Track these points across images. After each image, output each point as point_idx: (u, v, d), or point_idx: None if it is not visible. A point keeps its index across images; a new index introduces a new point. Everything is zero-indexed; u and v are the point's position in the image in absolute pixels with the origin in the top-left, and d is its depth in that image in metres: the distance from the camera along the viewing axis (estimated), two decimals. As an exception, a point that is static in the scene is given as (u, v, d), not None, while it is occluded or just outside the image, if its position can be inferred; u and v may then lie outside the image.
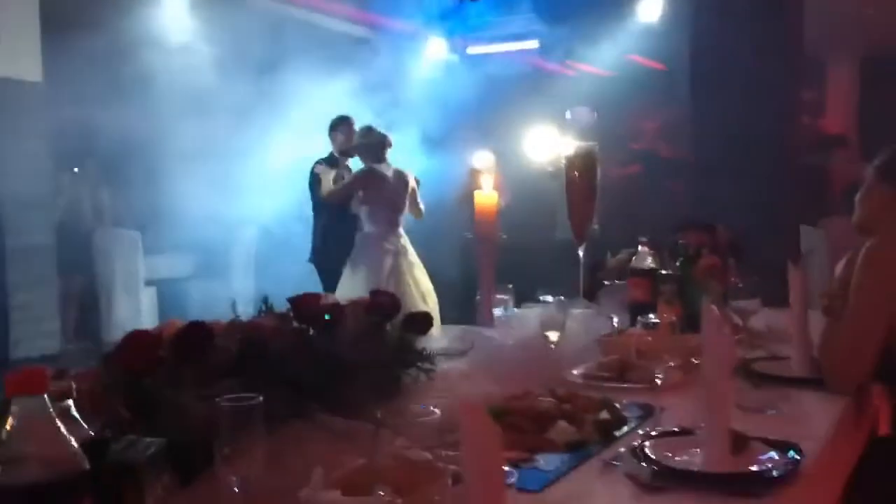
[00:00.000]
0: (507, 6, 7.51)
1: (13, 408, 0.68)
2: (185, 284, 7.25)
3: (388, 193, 5.12)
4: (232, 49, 6.27)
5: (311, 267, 5.74)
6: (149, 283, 7.05)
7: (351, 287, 4.89)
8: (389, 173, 5.16)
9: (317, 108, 6.34)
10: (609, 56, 7.91)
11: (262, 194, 6.54)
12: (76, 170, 6.97)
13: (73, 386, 0.78)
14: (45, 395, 0.69)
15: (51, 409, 0.69)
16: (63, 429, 0.69)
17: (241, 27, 6.27)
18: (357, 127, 5.45)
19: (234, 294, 7.07)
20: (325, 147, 5.82)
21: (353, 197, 5.20)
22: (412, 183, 5.26)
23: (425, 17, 7.59)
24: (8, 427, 0.68)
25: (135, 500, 0.80)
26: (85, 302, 6.76)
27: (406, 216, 5.30)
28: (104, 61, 5.59)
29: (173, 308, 6.65)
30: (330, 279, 5.20)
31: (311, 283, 5.28)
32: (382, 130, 5.29)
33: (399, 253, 5.12)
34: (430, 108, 6.85)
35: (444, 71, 7.74)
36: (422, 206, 5.34)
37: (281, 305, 1.65)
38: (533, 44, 7.92)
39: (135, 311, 6.82)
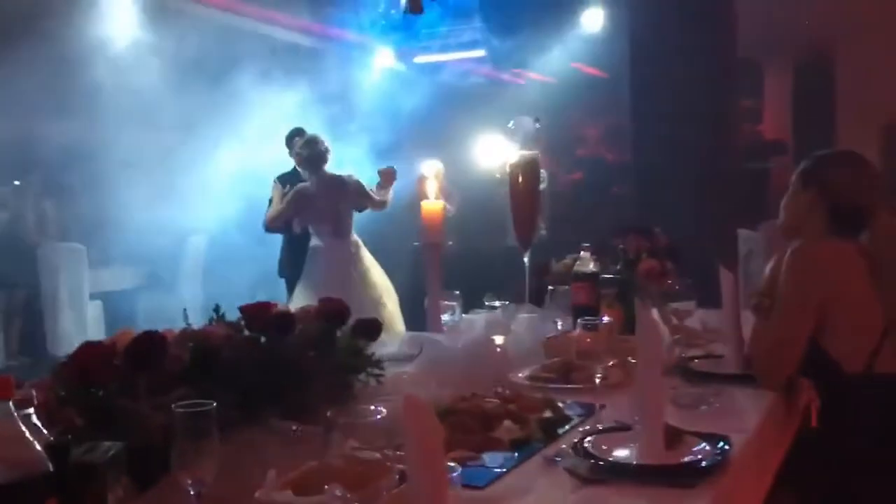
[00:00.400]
0: (454, 17, 7.60)
1: (-20, 413, 0.72)
2: (132, 297, 7.16)
3: (322, 206, 5.15)
4: (179, 58, 6.22)
5: (261, 277, 5.73)
6: (94, 296, 6.95)
7: (303, 301, 4.93)
8: (322, 185, 5.17)
9: (265, 118, 6.34)
10: (554, 64, 8.07)
11: (210, 204, 6.50)
12: (17, 182, 6.84)
13: (34, 394, 0.82)
14: (10, 402, 0.73)
15: (15, 414, 0.73)
16: (27, 432, 0.73)
17: (188, 37, 6.23)
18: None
19: (181, 305, 7.02)
20: (273, 157, 5.83)
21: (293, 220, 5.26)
22: (353, 185, 5.29)
23: (373, 27, 7.64)
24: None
25: (97, 500, 0.84)
26: (29, 316, 6.64)
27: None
28: (47, 71, 5.51)
29: (119, 321, 6.56)
30: None
31: (260, 292, 5.28)
32: (324, 141, 5.30)
33: (348, 262, 5.15)
34: (378, 116, 6.90)
35: (393, 80, 7.80)
36: (380, 197, 5.31)
37: (231, 315, 1.69)
38: (480, 53, 8.02)
39: (80, 324, 6.71)
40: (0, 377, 0.73)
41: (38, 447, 0.73)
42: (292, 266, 5.41)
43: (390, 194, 5.34)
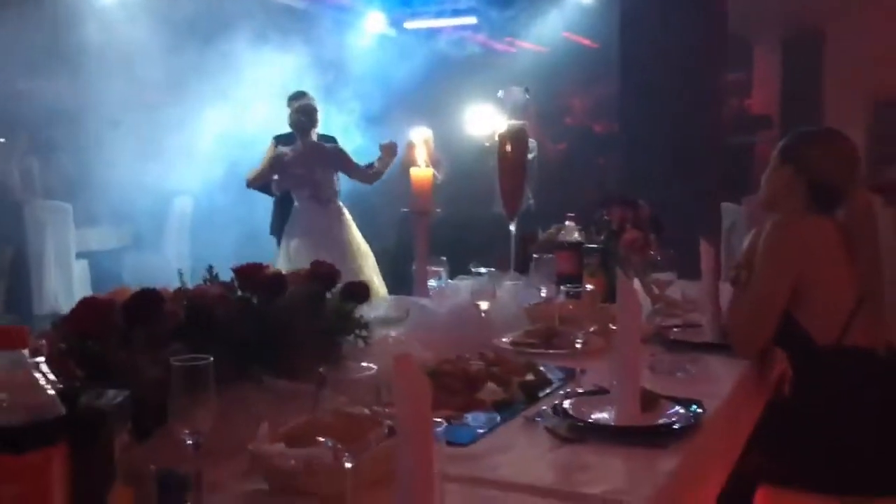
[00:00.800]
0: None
1: (-3, 360, 0.76)
2: (118, 256, 7.17)
3: (300, 172, 5.24)
4: (169, 17, 6.17)
5: (249, 237, 5.77)
6: (80, 255, 6.95)
7: (284, 260, 5.04)
8: (303, 151, 5.24)
9: (253, 80, 6.33)
10: (545, 33, 8.06)
11: (196, 165, 6.50)
12: (3, 140, 6.80)
13: (43, 343, 0.86)
14: (26, 351, 0.77)
15: (30, 362, 0.78)
16: (41, 379, 0.78)
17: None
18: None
19: (167, 265, 7.06)
20: (260, 119, 5.84)
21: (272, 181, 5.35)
22: (333, 152, 5.35)
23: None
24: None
25: (105, 443, 0.89)
26: (15, 274, 6.64)
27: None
28: (32, 28, 5.46)
29: (106, 280, 6.57)
30: None
31: (247, 252, 5.31)
32: (314, 107, 5.35)
33: (326, 227, 5.25)
34: (368, 82, 6.89)
35: (383, 45, 7.77)
36: (376, 169, 5.36)
37: (222, 275, 1.73)
38: (471, 20, 8.00)
39: (66, 283, 6.73)
40: (16, 328, 0.78)
41: (52, 392, 0.78)
42: (281, 225, 5.47)
43: (387, 167, 5.37)
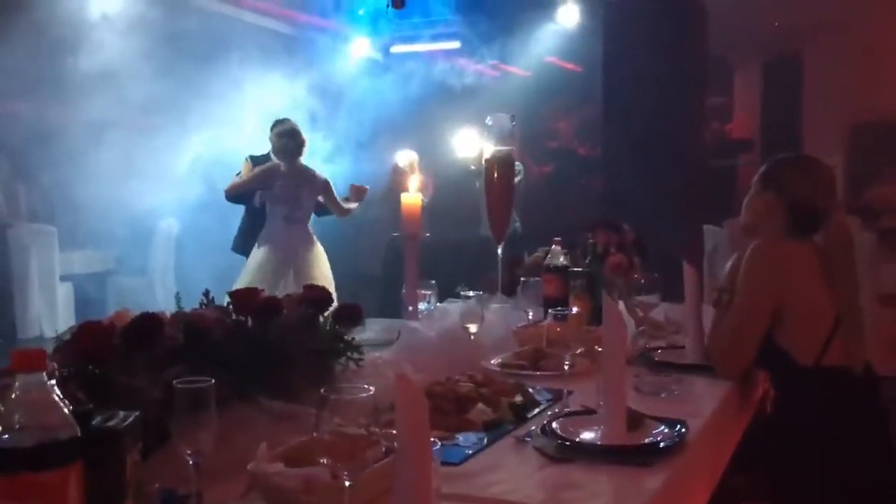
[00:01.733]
0: (432, 8, 7.67)
1: (16, 382, 0.80)
2: (102, 279, 7.16)
3: (286, 187, 5.34)
4: (152, 41, 6.22)
5: (234, 259, 5.78)
6: (65, 278, 6.93)
7: (245, 277, 5.20)
8: (292, 171, 5.35)
9: (238, 103, 6.37)
10: (529, 58, 8.17)
11: (181, 187, 6.53)
12: (-13, 162, 6.79)
13: (55, 367, 0.89)
14: (44, 373, 0.81)
15: (48, 384, 0.81)
16: (58, 400, 0.81)
17: (161, 19, 6.23)
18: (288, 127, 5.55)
19: (152, 288, 7.05)
20: (244, 143, 5.88)
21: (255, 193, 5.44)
22: (321, 181, 5.45)
23: (349, 16, 7.68)
24: (12, 398, 0.79)
25: (118, 462, 0.92)
26: (-2, 298, 6.60)
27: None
28: (15, 50, 5.49)
29: (90, 304, 6.58)
30: None
31: (233, 274, 5.34)
32: (301, 133, 5.44)
33: (294, 247, 5.35)
34: (354, 106, 6.95)
35: (369, 70, 7.85)
36: (346, 206, 5.53)
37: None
38: (455, 45, 8.10)
39: (50, 307, 6.70)
40: (34, 350, 0.81)
41: (68, 413, 0.81)
42: (249, 241, 5.51)
43: (356, 208, 5.57)
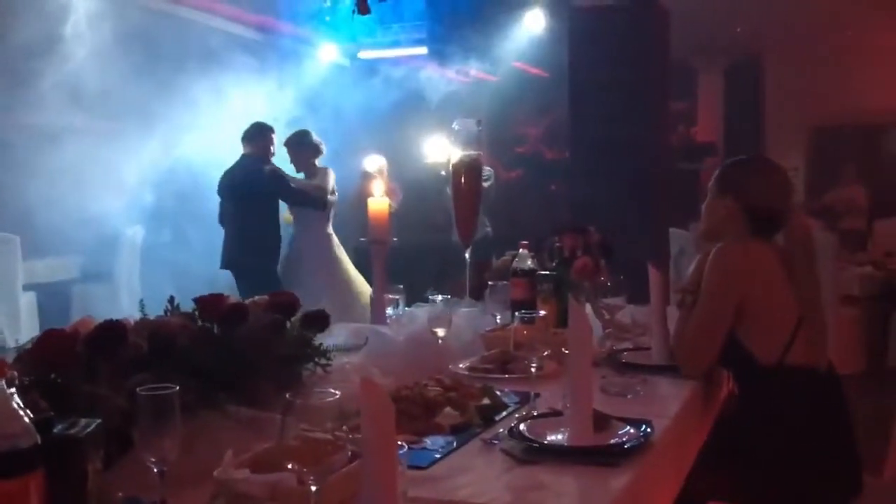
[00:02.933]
0: (400, 13, 7.68)
1: (-25, 391, 0.79)
2: (66, 288, 7.04)
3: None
4: (117, 46, 6.15)
5: (202, 268, 5.73)
6: (28, 287, 6.81)
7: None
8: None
9: (203, 109, 6.32)
10: (497, 63, 8.21)
11: (145, 195, 6.46)
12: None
13: (16, 374, 0.88)
14: (3, 381, 0.80)
15: (7, 391, 0.80)
16: (18, 408, 0.80)
17: (126, 24, 6.17)
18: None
19: (116, 297, 6.95)
20: (212, 147, 5.85)
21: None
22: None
23: (316, 21, 7.66)
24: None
25: (79, 470, 0.91)
26: (-41, 308, 6.46)
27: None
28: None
29: (54, 313, 6.46)
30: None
31: (199, 283, 5.28)
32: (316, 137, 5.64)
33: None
34: (322, 111, 6.93)
35: (336, 75, 7.83)
36: None
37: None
38: (423, 50, 8.12)
39: (13, 316, 6.58)
40: (-6, 358, 0.81)
41: (28, 421, 0.80)
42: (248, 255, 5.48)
43: None
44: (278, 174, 5.46)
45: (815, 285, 2.23)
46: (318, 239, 5.56)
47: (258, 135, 5.54)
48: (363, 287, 5.36)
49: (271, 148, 5.57)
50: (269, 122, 5.82)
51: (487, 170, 6.84)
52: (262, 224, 5.47)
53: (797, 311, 2.18)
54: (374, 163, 6.14)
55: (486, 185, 6.51)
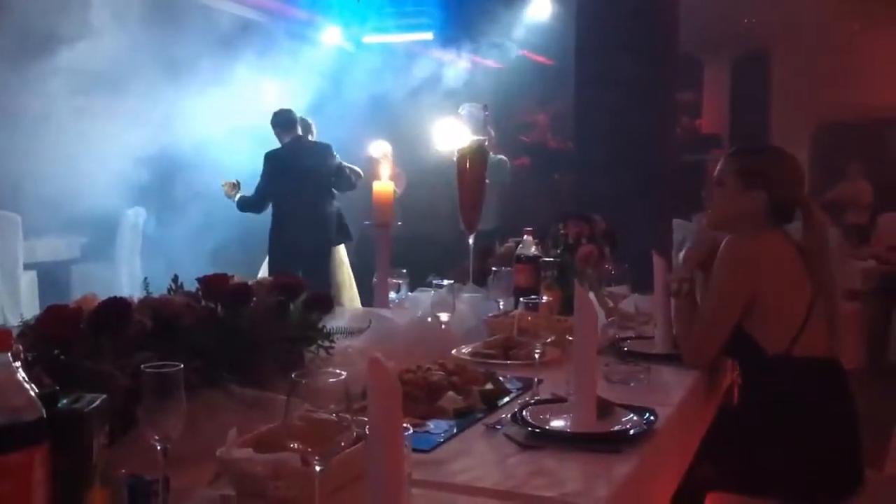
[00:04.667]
0: (404, -2, 7.65)
1: (-20, 363, 0.78)
2: (67, 267, 7.04)
3: None
4: (117, 28, 6.12)
5: (203, 247, 5.72)
6: (28, 266, 6.81)
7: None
8: None
9: (206, 91, 6.29)
10: (502, 51, 8.18)
11: (149, 175, 6.44)
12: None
13: (21, 349, 0.88)
14: (8, 353, 0.79)
15: (12, 364, 0.80)
16: (23, 381, 0.80)
17: (129, 6, 6.14)
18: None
19: (117, 277, 6.95)
20: (214, 129, 5.84)
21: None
22: None
23: (322, 4, 7.62)
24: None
25: (84, 444, 0.90)
26: (-41, 286, 6.47)
27: None
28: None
29: (54, 292, 6.45)
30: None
31: (201, 264, 5.27)
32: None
33: None
34: (326, 95, 6.90)
35: (340, 59, 7.79)
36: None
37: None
38: (428, 35, 8.08)
39: (13, 295, 6.58)
40: (0, 330, 0.80)
41: (33, 394, 0.80)
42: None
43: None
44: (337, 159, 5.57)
45: (830, 276, 2.21)
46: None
47: (295, 120, 5.58)
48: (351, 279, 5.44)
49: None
50: (273, 105, 5.80)
51: (504, 160, 6.86)
52: (330, 200, 5.57)
53: (807, 301, 2.16)
54: (379, 148, 6.14)
55: (504, 180, 6.56)
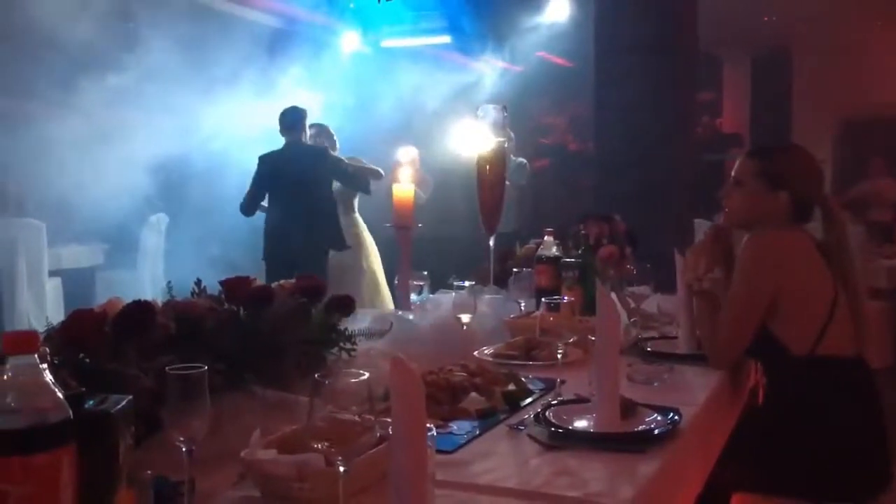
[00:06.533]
0: (423, 2, 7.65)
1: (8, 365, 0.79)
2: (91, 274, 7.12)
3: None
4: (140, 36, 6.18)
5: (221, 254, 5.75)
6: (53, 273, 6.89)
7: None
8: None
9: (227, 97, 6.34)
10: (520, 53, 8.17)
11: (170, 181, 6.49)
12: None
13: (47, 351, 0.89)
14: (36, 355, 0.80)
15: (40, 366, 0.81)
16: (50, 383, 0.80)
17: (151, 13, 6.20)
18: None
19: (140, 283, 7.02)
20: (236, 135, 5.86)
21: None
22: None
23: (340, 9, 7.65)
24: (3, 381, 0.79)
25: (111, 445, 0.91)
26: (-14, 293, 6.55)
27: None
28: (6, 48, 5.45)
29: (78, 299, 6.52)
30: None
31: (222, 269, 5.30)
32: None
33: None
34: (345, 100, 6.93)
35: (359, 64, 7.82)
36: None
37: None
38: (446, 39, 8.09)
39: (39, 302, 6.66)
40: (28, 332, 0.81)
41: (60, 396, 0.80)
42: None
43: None
44: (335, 157, 5.52)
45: (853, 274, 2.19)
46: (347, 221, 5.66)
47: (300, 120, 5.52)
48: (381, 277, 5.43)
49: (307, 130, 5.58)
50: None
51: (523, 162, 6.84)
52: (324, 206, 5.48)
53: (831, 300, 2.13)
54: (406, 154, 6.17)
55: (523, 182, 6.54)
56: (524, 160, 6.88)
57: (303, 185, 5.26)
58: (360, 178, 5.57)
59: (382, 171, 5.63)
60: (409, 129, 6.81)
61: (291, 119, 5.45)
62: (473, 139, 2.93)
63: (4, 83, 5.67)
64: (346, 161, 5.58)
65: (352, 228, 5.70)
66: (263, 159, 5.37)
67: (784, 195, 2.19)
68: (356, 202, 5.88)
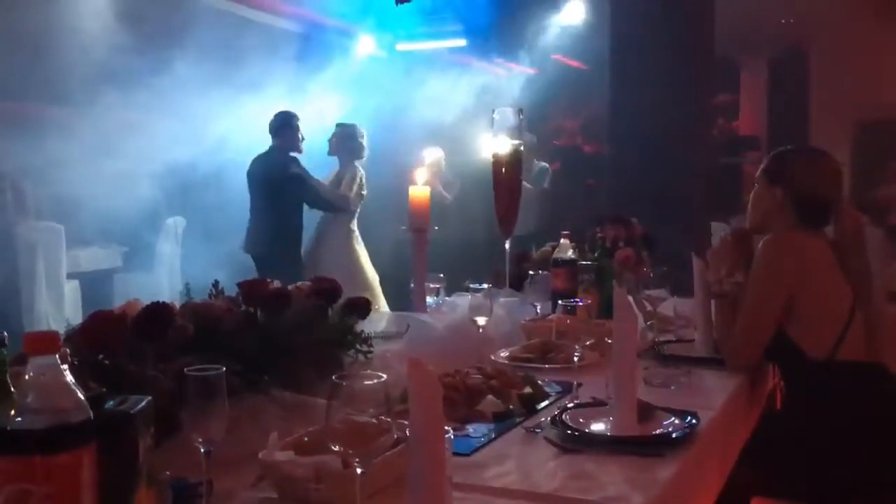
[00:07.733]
0: (438, 5, 7.66)
1: (29, 365, 0.80)
2: (109, 277, 7.17)
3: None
4: (158, 40, 6.22)
5: (239, 255, 5.77)
6: (71, 276, 6.95)
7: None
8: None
9: (243, 101, 6.37)
10: (535, 55, 8.16)
11: (187, 184, 6.53)
12: (-6, 161, 6.80)
13: (68, 352, 0.89)
14: (57, 355, 0.81)
15: (60, 367, 0.81)
16: (70, 384, 0.81)
17: (168, 16, 6.24)
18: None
19: (158, 286, 7.06)
20: (252, 139, 5.88)
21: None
22: None
23: (354, 12, 7.68)
24: (25, 381, 0.79)
25: (131, 445, 0.92)
26: (5, 295, 6.61)
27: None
28: (21, 50, 5.51)
29: (96, 301, 6.56)
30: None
31: (241, 270, 5.33)
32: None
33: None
34: (360, 103, 6.94)
35: (374, 67, 7.84)
36: None
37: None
38: (461, 42, 8.09)
39: (57, 304, 6.71)
40: (49, 333, 0.81)
41: (81, 396, 0.81)
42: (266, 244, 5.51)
43: None
44: (301, 178, 5.43)
45: (868, 276, 2.17)
46: (340, 235, 5.59)
47: (284, 126, 5.54)
48: (377, 289, 5.43)
49: (299, 135, 5.56)
50: (312, 115, 5.85)
51: (545, 166, 6.81)
52: (284, 216, 5.48)
53: (848, 304, 2.12)
54: (432, 154, 6.19)
55: (544, 186, 6.50)
56: (546, 164, 6.86)
57: (256, 190, 5.50)
58: (325, 203, 5.53)
59: (350, 195, 5.53)
60: (423, 131, 6.81)
61: (274, 123, 5.55)
62: (489, 141, 2.93)
63: (23, 88, 5.72)
64: (317, 184, 5.51)
65: (348, 237, 5.67)
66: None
67: (779, 191, 2.22)
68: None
